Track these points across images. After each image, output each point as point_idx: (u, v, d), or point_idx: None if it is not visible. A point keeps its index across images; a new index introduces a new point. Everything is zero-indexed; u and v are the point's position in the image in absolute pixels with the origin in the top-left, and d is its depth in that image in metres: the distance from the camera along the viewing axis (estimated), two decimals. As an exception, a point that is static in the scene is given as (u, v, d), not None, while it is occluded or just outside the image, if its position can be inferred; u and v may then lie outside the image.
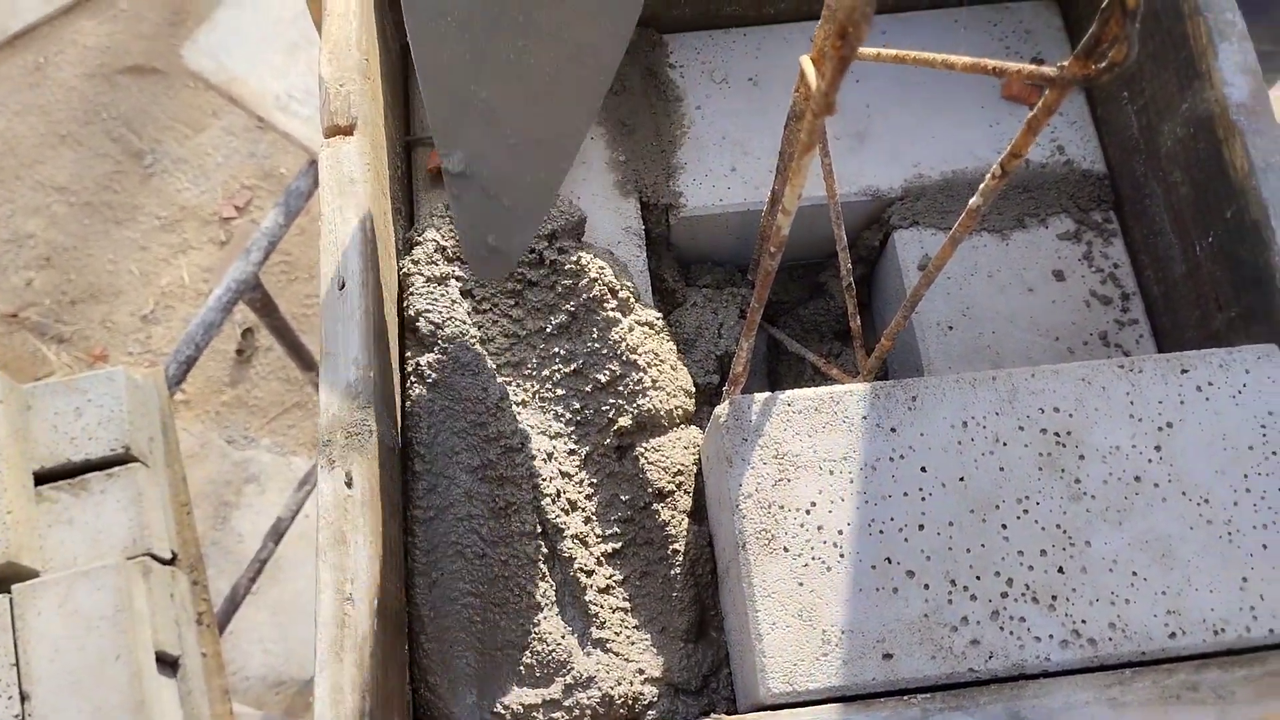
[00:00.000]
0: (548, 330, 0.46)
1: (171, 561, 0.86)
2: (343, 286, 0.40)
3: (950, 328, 0.49)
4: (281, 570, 1.63)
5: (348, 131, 0.42)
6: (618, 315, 0.46)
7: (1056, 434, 0.39)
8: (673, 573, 0.44)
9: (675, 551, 0.44)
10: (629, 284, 0.48)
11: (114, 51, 2.24)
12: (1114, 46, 0.24)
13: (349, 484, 0.37)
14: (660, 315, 0.48)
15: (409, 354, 0.45)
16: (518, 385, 0.45)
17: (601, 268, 0.47)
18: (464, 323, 0.45)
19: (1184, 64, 0.45)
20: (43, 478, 0.94)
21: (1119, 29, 0.23)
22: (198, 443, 2.01)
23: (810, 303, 0.56)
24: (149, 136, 2.21)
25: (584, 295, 0.46)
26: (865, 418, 0.39)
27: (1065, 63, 0.26)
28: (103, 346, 2.05)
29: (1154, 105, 0.48)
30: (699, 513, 0.45)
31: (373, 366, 0.39)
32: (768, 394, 0.40)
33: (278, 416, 2.05)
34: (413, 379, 0.44)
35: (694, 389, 0.47)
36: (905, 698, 0.35)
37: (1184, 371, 0.40)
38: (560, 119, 0.42)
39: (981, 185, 0.32)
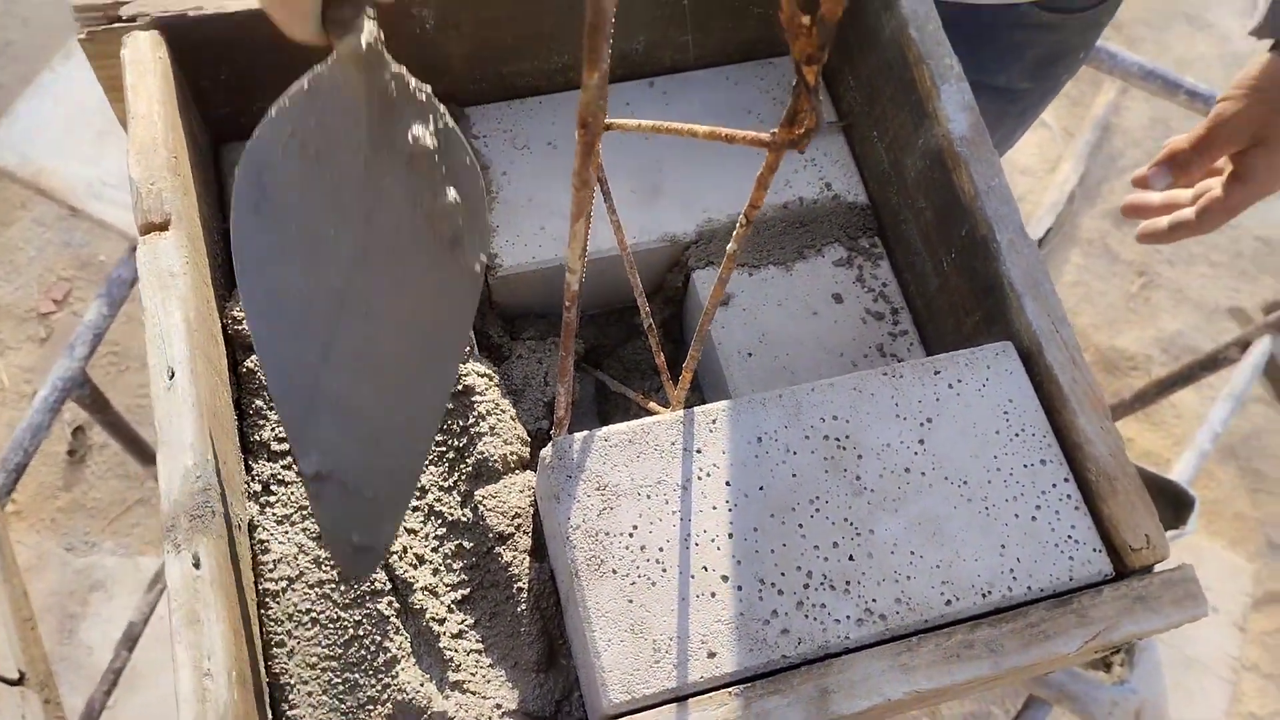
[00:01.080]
0: None
1: (19, 681, 0.83)
2: (172, 376, 0.42)
3: (750, 354, 0.54)
4: (139, 677, 1.56)
5: (163, 227, 0.44)
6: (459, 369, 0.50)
7: (837, 439, 0.44)
8: (519, 609, 0.47)
9: (520, 589, 0.47)
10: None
11: (-99, 150, 2.11)
12: (806, 117, 0.29)
13: (196, 564, 0.38)
14: (494, 368, 0.52)
15: (257, 428, 0.47)
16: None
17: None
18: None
19: (915, 105, 0.52)
20: None
21: (806, 104, 0.29)
22: (34, 554, 1.90)
23: (629, 343, 0.61)
24: (-50, 237, 2.09)
25: None
26: (674, 443, 0.44)
27: (775, 130, 0.31)
28: (-84, 462, 1.91)
29: (898, 142, 0.55)
30: (539, 550, 0.48)
31: (210, 449, 0.41)
32: (586, 432, 0.44)
33: (119, 516, 1.96)
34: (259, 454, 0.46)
35: (527, 436, 0.51)
36: (730, 689, 0.39)
37: (937, 373, 0.46)
38: (415, 403, 0.42)
39: (734, 232, 0.37)
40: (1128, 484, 0.44)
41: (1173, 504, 1.34)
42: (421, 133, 0.39)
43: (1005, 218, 0.48)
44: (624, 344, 0.61)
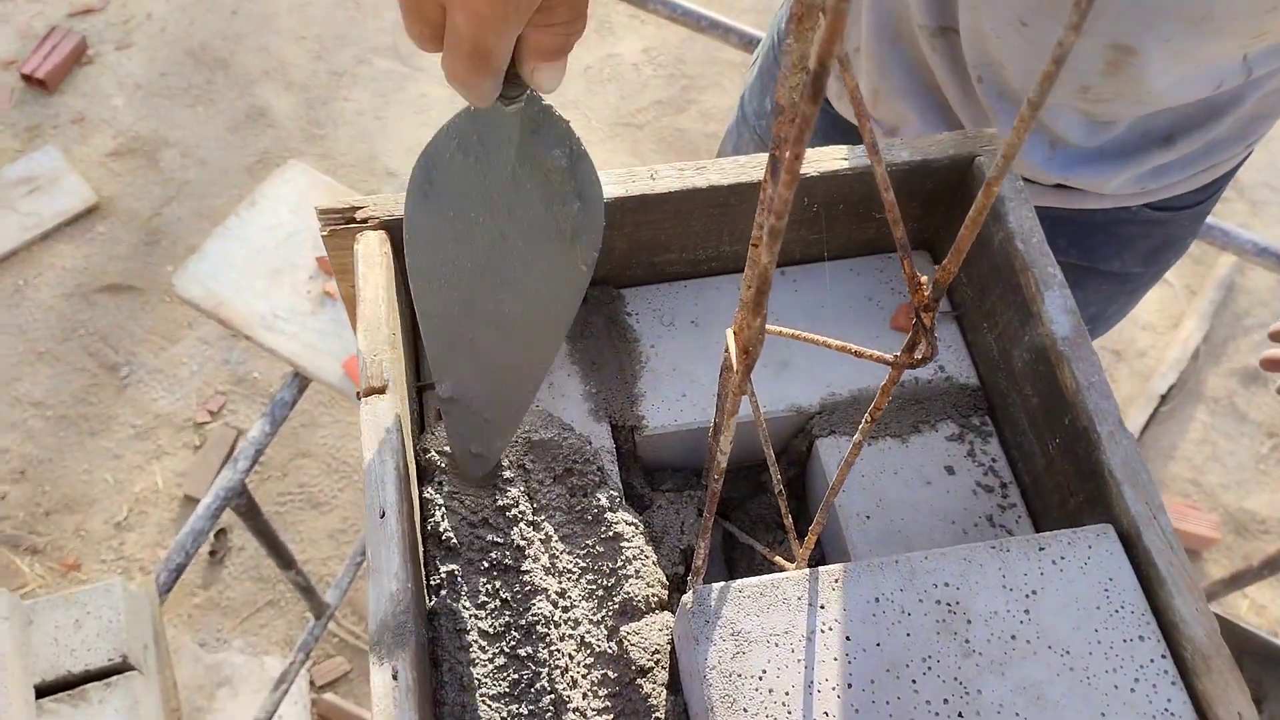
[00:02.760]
0: (560, 532, 0.56)
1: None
2: (383, 515, 0.50)
3: (868, 517, 0.60)
4: (259, 772, 1.62)
5: (381, 391, 0.54)
6: (611, 516, 0.57)
7: (948, 604, 0.50)
8: (655, 738, 0.53)
9: (657, 719, 0.53)
10: (612, 491, 0.59)
11: (91, 272, 2.38)
12: (924, 350, 0.36)
13: (395, 677, 0.46)
14: (638, 516, 0.59)
15: (435, 562, 0.55)
16: (530, 576, 0.55)
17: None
18: (480, 538, 0.55)
19: (1021, 306, 0.59)
20: (44, 690, 0.99)
21: (924, 338, 0.36)
22: (171, 647, 2.02)
23: (755, 499, 0.67)
24: (125, 350, 2.32)
25: (589, 497, 0.58)
26: (800, 598, 0.50)
27: (899, 353, 0.38)
28: (75, 556, 2.09)
29: (1006, 335, 0.61)
30: (675, 684, 0.54)
31: (410, 579, 0.49)
32: (723, 583, 0.51)
33: (250, 616, 2.07)
34: (438, 584, 0.54)
35: (666, 580, 0.58)
36: (847, 827, 0.44)
37: (1041, 549, 0.51)
38: (529, 354, 0.56)
39: (861, 427, 0.44)
40: (1222, 663, 0.48)
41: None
42: (559, 154, 0.51)
43: (1106, 412, 0.54)
44: (751, 498, 0.68)
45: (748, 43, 1.42)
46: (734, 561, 0.66)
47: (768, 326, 0.43)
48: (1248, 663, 1.33)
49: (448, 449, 0.57)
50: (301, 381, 1.44)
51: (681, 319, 0.67)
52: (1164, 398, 2.18)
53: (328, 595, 1.80)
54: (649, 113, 2.59)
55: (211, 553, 2.03)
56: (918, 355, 0.37)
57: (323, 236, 0.59)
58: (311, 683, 1.91)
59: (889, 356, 0.39)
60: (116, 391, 2.18)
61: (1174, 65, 0.66)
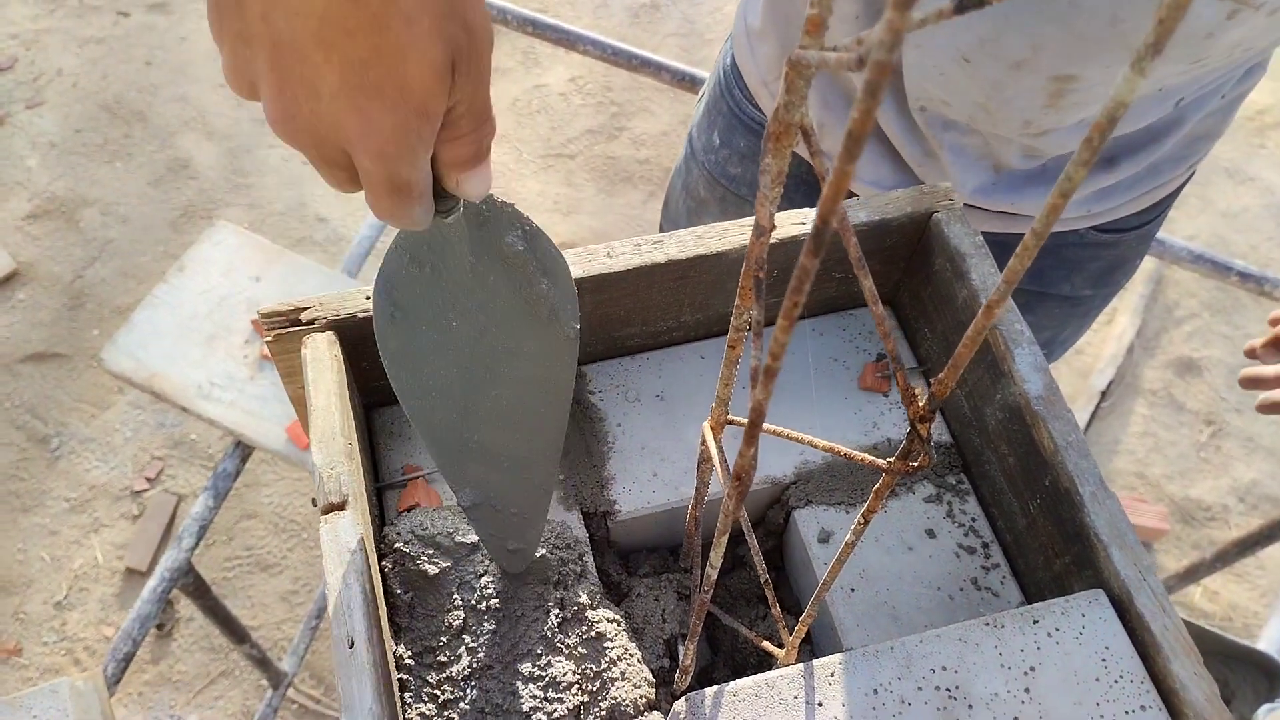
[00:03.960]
0: (542, 636, 0.54)
1: None
2: (352, 645, 0.47)
3: (853, 590, 0.59)
4: None
5: (340, 507, 0.51)
6: (592, 614, 0.55)
7: (948, 689, 0.48)
8: None
9: (654, 829, 0.51)
10: (591, 585, 0.57)
11: (13, 342, 2.28)
12: (920, 456, 0.35)
13: (379, 827, 0.43)
14: (619, 611, 0.57)
15: (409, 680, 0.52)
16: (504, 684, 0.52)
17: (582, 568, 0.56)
18: (448, 648, 0.52)
19: (991, 364, 0.58)
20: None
21: (920, 445, 0.35)
22: (124, 733, 1.93)
23: (734, 572, 0.66)
24: (54, 420, 2.23)
25: (570, 591, 0.55)
26: (796, 697, 0.48)
27: (893, 459, 0.37)
28: (15, 641, 2.00)
29: (976, 392, 0.60)
30: (669, 790, 0.52)
31: (386, 712, 0.46)
32: (716, 688, 0.49)
33: (204, 689, 2.00)
34: (413, 698, 0.51)
35: (653, 678, 0.56)
36: None
37: (1035, 622, 0.50)
38: (540, 437, 0.54)
39: (854, 526, 0.42)
40: (1224, 728, 0.47)
41: (1266, 675, 1.32)
42: (513, 239, 0.50)
43: (1086, 471, 0.53)
44: (729, 573, 0.66)
45: (680, 79, 1.41)
46: (717, 641, 0.64)
47: (736, 418, 0.42)
48: (1213, 663, 1.35)
49: (406, 547, 0.55)
50: (244, 450, 1.39)
51: (646, 394, 0.65)
52: (1104, 394, 2.22)
53: (284, 662, 1.74)
54: (580, 142, 2.58)
55: (159, 625, 1.95)
56: (914, 464, 0.36)
57: (267, 342, 0.56)
58: (274, 755, 1.84)
59: (882, 463, 0.37)
60: (48, 464, 2.09)
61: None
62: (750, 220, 0.61)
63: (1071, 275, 0.89)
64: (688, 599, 0.63)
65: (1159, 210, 0.87)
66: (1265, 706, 1.28)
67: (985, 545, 0.61)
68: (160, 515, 2.06)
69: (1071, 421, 0.55)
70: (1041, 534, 0.56)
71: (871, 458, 0.38)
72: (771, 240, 0.60)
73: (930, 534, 0.61)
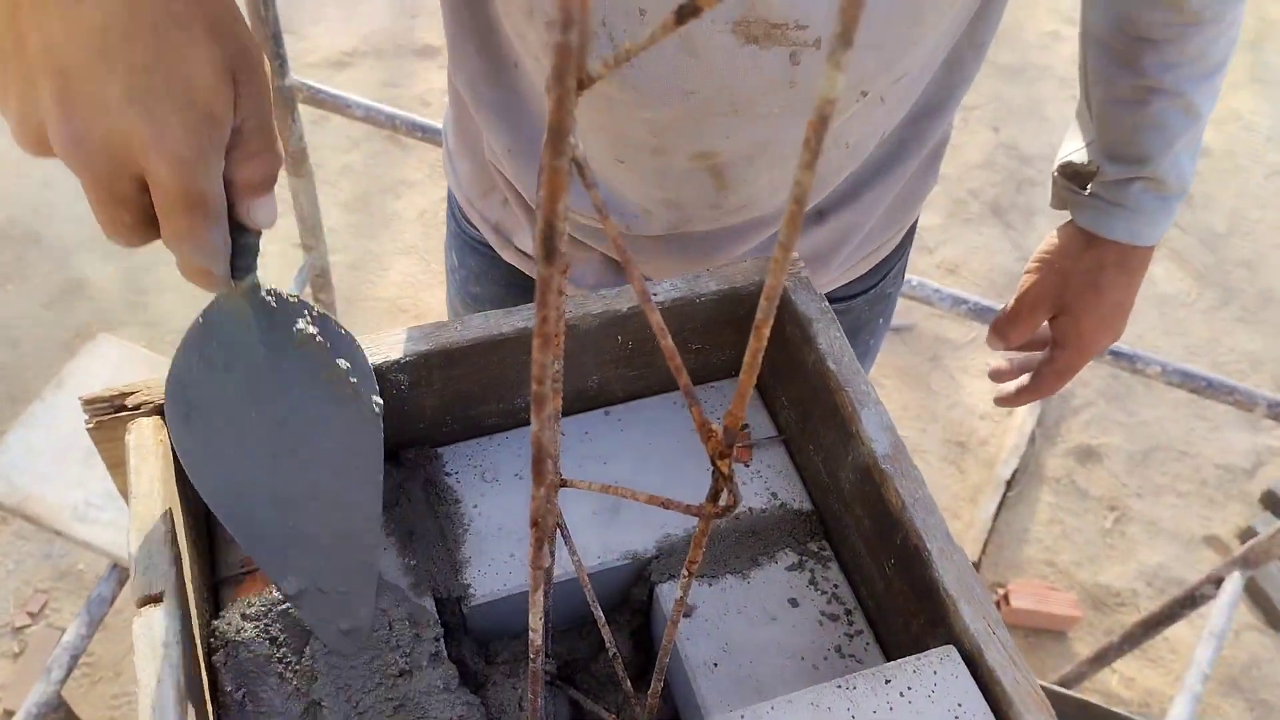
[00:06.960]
0: None
1: None
2: (161, 748, 0.44)
3: (715, 664, 0.57)
4: None
5: (157, 600, 0.48)
6: (445, 698, 0.52)
7: (800, 758, 0.46)
8: None
9: None
10: (448, 673, 0.54)
11: (-112, 472, 2.15)
12: (726, 497, 0.34)
13: None
14: (475, 700, 0.54)
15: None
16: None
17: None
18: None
19: (841, 426, 0.58)
20: None
21: (726, 484, 0.34)
22: None
23: (599, 656, 0.63)
24: (-71, 557, 2.09)
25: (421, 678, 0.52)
26: (644, 775, 0.46)
27: (703, 502, 0.36)
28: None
29: (831, 457, 0.60)
30: None
31: (194, 820, 0.42)
32: (559, 770, 0.46)
33: (83, 843, 1.84)
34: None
35: (502, 769, 0.52)
36: None
37: (888, 681, 0.49)
38: (357, 513, 0.53)
39: (680, 581, 0.41)
40: (1081, 781, 0.46)
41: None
42: (302, 324, 0.51)
43: (933, 527, 0.53)
44: (595, 658, 0.63)
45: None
46: (583, 729, 0.61)
47: (572, 480, 0.41)
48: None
49: (237, 635, 0.52)
50: (121, 574, 1.32)
51: (505, 473, 0.64)
52: (1009, 483, 2.26)
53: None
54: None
55: (35, 775, 1.81)
56: (721, 504, 0.35)
57: (89, 429, 0.54)
58: None
59: (695, 506, 0.36)
60: (-81, 604, 1.96)
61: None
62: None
63: None
64: (550, 685, 0.60)
65: (884, 270, 0.88)
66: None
67: (849, 611, 0.59)
68: (43, 652, 1.93)
69: (918, 479, 0.55)
70: (898, 595, 0.56)
71: (684, 503, 0.37)
72: (614, 309, 0.60)
73: (793, 603, 0.59)
